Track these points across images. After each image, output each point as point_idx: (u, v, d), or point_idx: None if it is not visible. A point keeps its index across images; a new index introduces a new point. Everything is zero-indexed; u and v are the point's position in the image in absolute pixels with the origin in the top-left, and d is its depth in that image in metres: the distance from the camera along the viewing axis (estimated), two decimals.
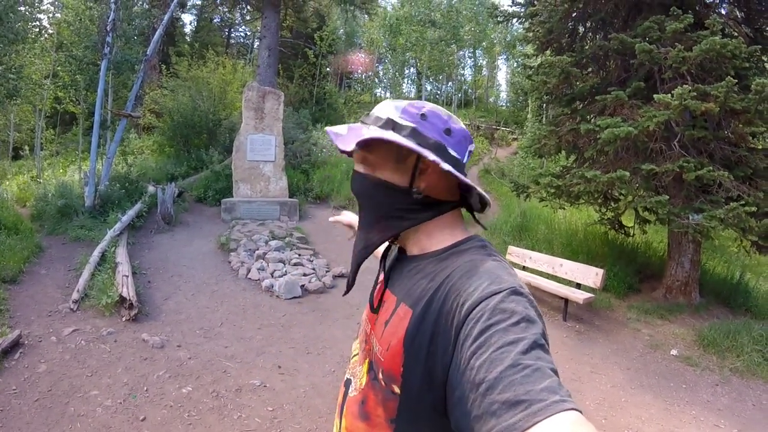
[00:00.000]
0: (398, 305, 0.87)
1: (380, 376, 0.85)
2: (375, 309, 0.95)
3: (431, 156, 0.83)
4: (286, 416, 3.56)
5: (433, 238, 0.92)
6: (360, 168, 0.94)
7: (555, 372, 0.62)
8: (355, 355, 1.04)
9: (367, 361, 0.93)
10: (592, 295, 5.92)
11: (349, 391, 0.96)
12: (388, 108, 0.91)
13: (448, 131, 0.90)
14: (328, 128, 0.93)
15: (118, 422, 3.28)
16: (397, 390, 0.82)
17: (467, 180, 0.88)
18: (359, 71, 26.20)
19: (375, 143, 0.86)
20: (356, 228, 1.62)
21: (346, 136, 0.88)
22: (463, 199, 0.97)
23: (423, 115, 0.89)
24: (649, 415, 3.97)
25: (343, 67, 23.95)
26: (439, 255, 0.89)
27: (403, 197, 0.90)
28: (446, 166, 0.83)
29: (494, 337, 0.65)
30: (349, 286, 1.08)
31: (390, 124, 0.88)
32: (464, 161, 0.93)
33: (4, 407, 3.32)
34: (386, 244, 1.04)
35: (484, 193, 0.93)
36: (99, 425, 3.22)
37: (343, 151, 0.96)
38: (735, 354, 5.12)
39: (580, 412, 0.56)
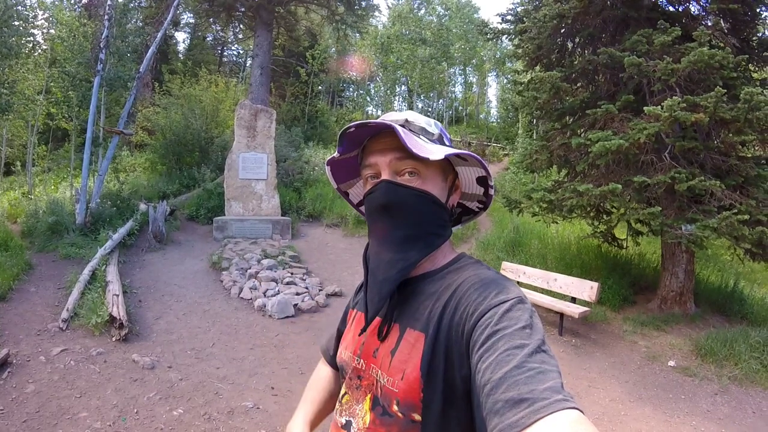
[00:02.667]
0: (404, 332, 0.85)
1: (395, 408, 0.81)
2: (382, 337, 0.88)
3: (492, 180, 0.93)
4: None
5: (443, 255, 0.94)
6: (398, 179, 0.88)
7: (559, 374, 0.63)
8: (344, 395, 0.95)
9: (369, 397, 0.87)
10: (587, 308, 5.89)
11: None
12: (429, 122, 0.93)
13: None
14: (395, 125, 0.81)
15: None
16: (417, 417, 0.79)
17: (485, 206, 1.03)
18: (354, 74, 26.36)
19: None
20: None
21: (409, 138, 0.81)
22: None
23: (450, 139, 0.97)
24: (649, 427, 3.93)
25: (339, 71, 24.05)
26: (437, 274, 0.90)
27: (443, 213, 0.91)
28: (492, 191, 0.96)
29: (501, 341, 0.68)
30: (372, 318, 0.89)
31: (442, 142, 0.92)
32: None
33: None
34: None
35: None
36: None
37: (342, 154, 0.96)
38: (733, 362, 5.11)
39: (582, 411, 0.57)
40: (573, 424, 0.54)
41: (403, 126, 0.89)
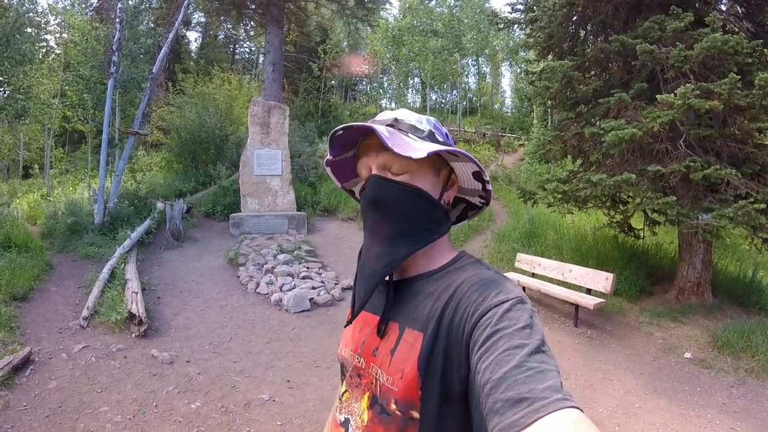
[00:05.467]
0: (403, 331, 0.86)
1: (392, 406, 0.82)
2: (381, 334, 0.89)
3: (486, 176, 0.93)
4: (295, 430, 3.56)
5: (441, 253, 0.93)
6: (389, 174, 0.89)
7: (558, 374, 0.64)
8: (344, 393, 0.96)
9: (367, 395, 0.88)
10: (602, 300, 5.84)
11: (350, 430, 0.90)
12: (420, 119, 0.93)
13: None
14: (375, 126, 0.83)
15: None
16: (416, 415, 0.80)
17: (486, 200, 1.02)
18: (361, 71, 26.27)
19: None
20: None
21: (392, 139, 0.82)
22: None
23: (447, 135, 0.96)
24: (663, 420, 3.90)
25: (346, 69, 23.98)
26: (436, 274, 0.90)
27: (435, 208, 0.91)
28: (490, 186, 0.96)
29: (500, 341, 0.68)
30: (359, 311, 0.91)
31: (432, 138, 0.91)
32: None
33: (14, 423, 3.35)
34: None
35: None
36: None
37: (336, 156, 0.98)
38: (750, 354, 5.02)
39: (581, 410, 0.57)
40: (572, 423, 0.54)
41: (392, 125, 0.90)
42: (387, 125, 0.90)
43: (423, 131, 0.91)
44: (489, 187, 0.96)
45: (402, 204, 0.88)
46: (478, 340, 0.71)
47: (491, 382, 0.63)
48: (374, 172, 0.90)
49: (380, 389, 0.85)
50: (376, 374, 0.87)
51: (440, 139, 0.92)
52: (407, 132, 0.90)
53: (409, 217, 0.88)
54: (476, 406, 0.68)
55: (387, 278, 0.92)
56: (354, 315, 0.92)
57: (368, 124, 0.85)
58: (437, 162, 0.91)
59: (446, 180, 0.94)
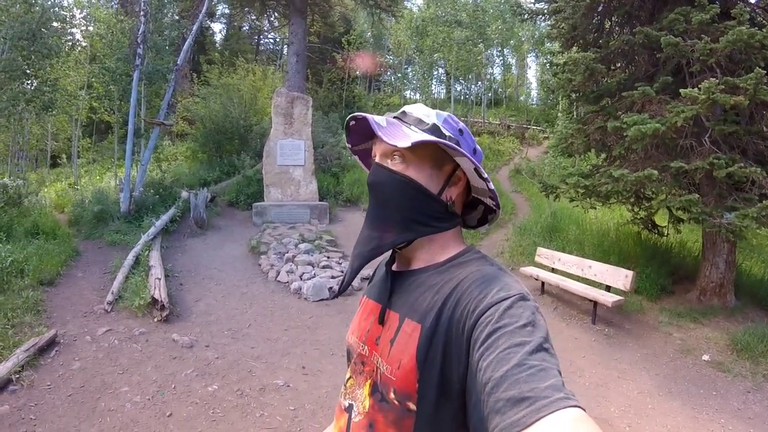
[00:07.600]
0: (402, 321, 0.86)
1: (391, 395, 0.83)
2: (381, 322, 0.91)
3: (485, 174, 0.89)
4: (307, 415, 3.63)
5: (444, 249, 0.93)
6: (388, 162, 0.90)
7: (560, 373, 0.63)
8: (348, 379, 0.98)
9: (369, 382, 0.90)
10: (621, 297, 5.73)
11: (353, 416, 0.92)
12: (428, 113, 0.94)
13: (474, 150, 0.94)
14: (368, 115, 0.87)
15: (145, 417, 3.43)
16: (413, 407, 0.80)
17: (496, 203, 0.96)
18: (368, 71, 26.07)
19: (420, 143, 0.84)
20: None
21: (388, 129, 0.86)
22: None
23: (461, 131, 0.94)
24: (675, 423, 3.84)
25: (355, 66, 23.88)
26: (440, 267, 0.90)
27: (429, 202, 0.90)
28: (492, 185, 0.90)
29: (501, 339, 0.67)
30: (345, 288, 0.99)
31: (436, 132, 0.91)
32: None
33: (38, 402, 3.51)
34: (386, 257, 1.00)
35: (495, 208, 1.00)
36: (128, 420, 3.38)
37: (354, 145, 1.03)
38: None
39: (584, 410, 0.57)
40: (574, 423, 0.54)
41: (398, 118, 0.93)
42: (394, 116, 0.93)
43: (427, 124, 0.91)
44: (491, 186, 0.91)
45: (391, 192, 0.89)
46: (479, 338, 0.71)
47: (492, 380, 0.63)
48: (377, 160, 0.93)
49: (380, 378, 0.86)
50: (377, 362, 0.88)
51: (446, 134, 0.91)
52: (410, 124, 0.92)
53: (398, 205, 0.89)
54: (475, 403, 0.69)
55: (390, 268, 0.96)
56: (339, 292, 1.04)
57: (364, 114, 0.89)
58: (439, 155, 0.91)
59: (449, 175, 0.92)
